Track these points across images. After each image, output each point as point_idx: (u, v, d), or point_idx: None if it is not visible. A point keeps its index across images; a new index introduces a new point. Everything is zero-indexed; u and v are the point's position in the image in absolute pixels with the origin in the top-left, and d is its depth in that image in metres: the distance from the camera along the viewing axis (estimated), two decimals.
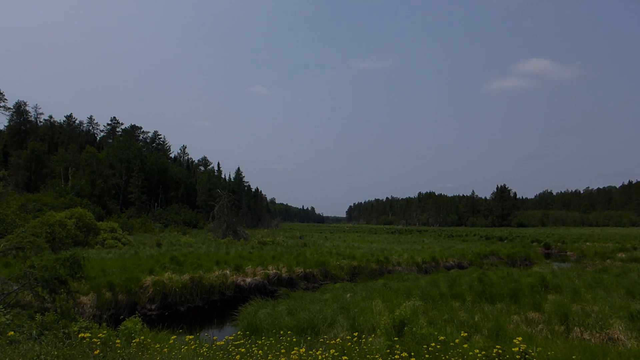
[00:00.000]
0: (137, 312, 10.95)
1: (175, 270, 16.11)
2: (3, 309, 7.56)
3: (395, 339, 6.17)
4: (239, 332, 7.79)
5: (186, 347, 5.88)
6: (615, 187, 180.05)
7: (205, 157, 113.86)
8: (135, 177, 67.38)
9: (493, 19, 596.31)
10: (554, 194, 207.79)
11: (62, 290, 9.09)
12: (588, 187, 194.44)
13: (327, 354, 5.66)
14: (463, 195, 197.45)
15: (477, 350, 5.58)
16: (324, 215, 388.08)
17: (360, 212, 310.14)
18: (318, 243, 36.65)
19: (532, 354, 5.52)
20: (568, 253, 36.95)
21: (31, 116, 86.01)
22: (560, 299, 10.46)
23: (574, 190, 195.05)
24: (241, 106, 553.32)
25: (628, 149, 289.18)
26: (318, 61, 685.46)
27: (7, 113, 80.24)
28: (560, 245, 41.52)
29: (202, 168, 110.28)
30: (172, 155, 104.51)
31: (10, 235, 12.59)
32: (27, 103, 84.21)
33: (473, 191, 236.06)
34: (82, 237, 25.66)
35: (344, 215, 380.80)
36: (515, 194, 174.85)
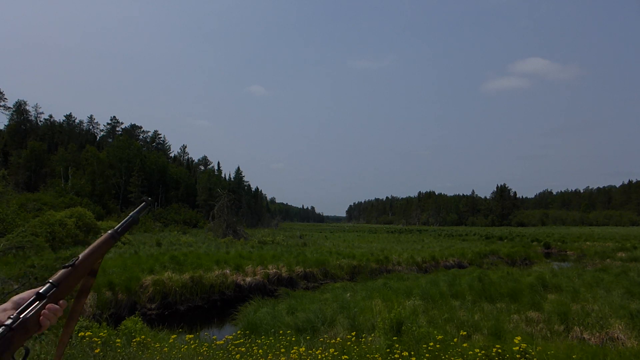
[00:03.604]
0: (137, 312, 10.96)
1: (175, 270, 16.10)
2: None
3: (395, 338, 6.17)
4: (238, 332, 7.78)
5: (186, 347, 5.88)
6: (615, 186, 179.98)
7: (205, 157, 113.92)
8: (135, 177, 67.34)
9: (490, 18, 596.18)
10: (554, 193, 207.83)
11: None
12: (588, 187, 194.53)
13: (326, 353, 5.66)
14: (463, 194, 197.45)
15: (477, 350, 5.59)
16: (323, 214, 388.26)
17: (360, 212, 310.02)
18: (318, 242, 36.64)
19: (532, 353, 5.52)
20: (568, 252, 36.93)
21: (31, 115, 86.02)
22: (560, 299, 10.46)
23: (573, 190, 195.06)
24: (240, 106, 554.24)
25: (628, 148, 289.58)
26: (316, 61, 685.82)
27: (7, 112, 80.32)
28: (560, 245, 41.50)
29: (202, 167, 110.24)
30: (172, 155, 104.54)
31: (11, 234, 12.59)
32: (27, 102, 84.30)
33: (473, 190, 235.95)
34: (82, 236, 25.67)
35: (343, 214, 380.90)
36: (515, 193, 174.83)
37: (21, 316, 1.02)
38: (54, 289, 1.10)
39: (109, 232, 1.23)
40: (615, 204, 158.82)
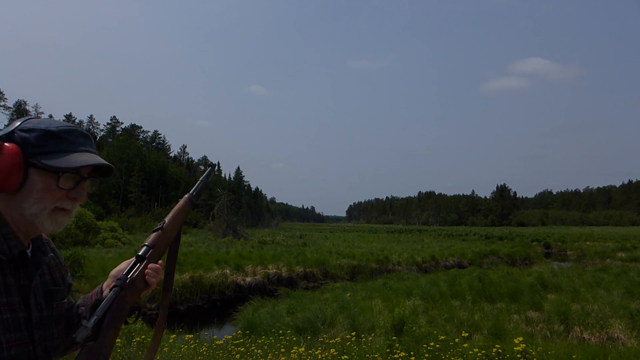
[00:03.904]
0: (137, 312, 10.96)
1: (175, 270, 16.10)
2: None
3: (394, 338, 6.17)
4: (238, 332, 7.78)
5: (186, 347, 5.88)
6: (615, 186, 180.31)
7: (205, 157, 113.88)
8: (136, 177, 67.35)
9: (490, 18, 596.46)
10: (554, 193, 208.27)
11: None
12: (588, 187, 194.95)
13: (326, 353, 5.65)
14: (463, 194, 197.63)
15: (477, 350, 5.58)
16: (323, 214, 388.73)
17: (360, 212, 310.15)
18: (318, 242, 36.65)
19: (532, 353, 5.52)
20: (568, 252, 36.92)
21: (31, 115, 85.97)
22: (560, 299, 10.45)
23: (573, 190, 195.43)
24: (240, 106, 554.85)
25: (628, 148, 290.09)
26: (316, 61, 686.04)
27: (7, 112, 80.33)
28: (560, 245, 41.50)
29: (202, 167, 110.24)
30: (172, 155, 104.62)
31: None
32: (27, 102, 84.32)
33: (473, 190, 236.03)
34: (82, 236, 25.67)
35: (343, 214, 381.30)
36: (515, 193, 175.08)
37: (128, 277, 1.12)
38: (151, 250, 1.17)
39: (186, 196, 1.30)
40: (615, 204, 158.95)
